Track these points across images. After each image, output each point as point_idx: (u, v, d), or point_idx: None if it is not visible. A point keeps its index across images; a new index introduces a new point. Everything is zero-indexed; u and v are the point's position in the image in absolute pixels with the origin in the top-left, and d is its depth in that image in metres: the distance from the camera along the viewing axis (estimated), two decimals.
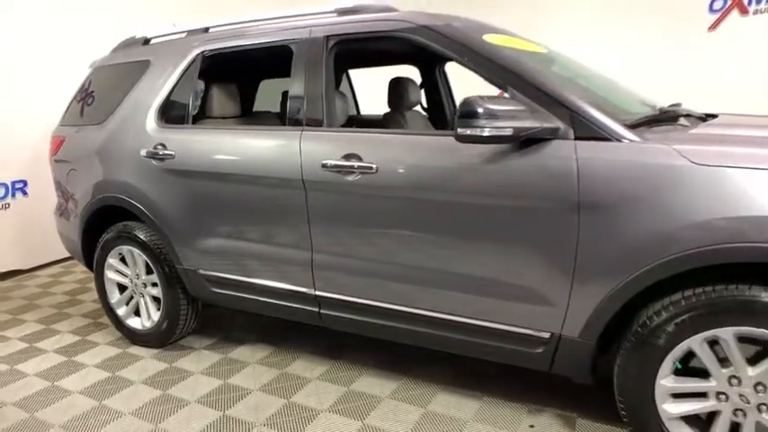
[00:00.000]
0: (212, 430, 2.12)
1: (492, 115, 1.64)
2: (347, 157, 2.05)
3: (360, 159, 2.02)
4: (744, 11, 4.54)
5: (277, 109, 3.31)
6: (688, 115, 2.08)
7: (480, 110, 1.63)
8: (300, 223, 2.21)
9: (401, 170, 1.95)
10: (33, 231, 4.25)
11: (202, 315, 2.92)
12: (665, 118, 1.94)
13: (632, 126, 1.72)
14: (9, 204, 4.20)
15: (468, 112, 1.64)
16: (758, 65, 4.47)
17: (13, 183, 4.22)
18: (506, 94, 1.80)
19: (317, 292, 2.25)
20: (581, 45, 5.23)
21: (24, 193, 4.29)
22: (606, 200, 1.62)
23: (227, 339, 2.94)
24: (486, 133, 1.63)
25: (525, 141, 1.72)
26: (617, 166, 1.61)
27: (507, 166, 1.76)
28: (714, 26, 4.70)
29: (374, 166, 1.99)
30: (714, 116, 2.25)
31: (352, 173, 2.04)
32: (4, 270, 4.22)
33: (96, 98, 2.99)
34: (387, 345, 2.48)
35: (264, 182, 2.26)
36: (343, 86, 3.84)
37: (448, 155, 1.86)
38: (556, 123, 1.70)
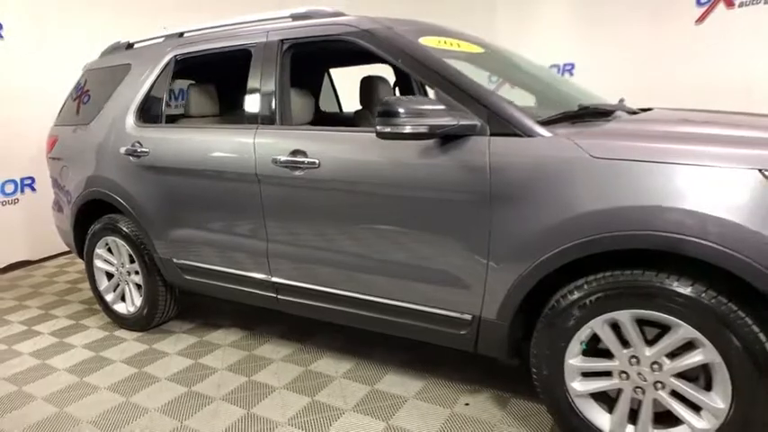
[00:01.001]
0: (177, 402, 2.32)
1: (410, 114, 1.77)
2: (294, 153, 2.21)
3: (305, 155, 2.18)
4: (730, 4, 4.53)
5: None
6: (614, 111, 2.17)
7: (399, 109, 1.76)
8: (257, 215, 2.38)
9: (339, 165, 2.10)
10: (41, 225, 4.49)
11: (181, 301, 3.12)
12: (588, 113, 2.04)
13: (549, 122, 1.83)
14: (18, 200, 4.51)
15: (387, 111, 1.77)
16: (744, 57, 4.46)
17: (22, 179, 4.52)
18: (432, 94, 1.93)
19: (274, 279, 2.43)
20: (567, 40, 5.29)
21: (33, 189, 4.59)
22: (513, 191, 1.75)
23: (206, 325, 3.15)
24: (403, 130, 1.77)
25: (447, 138, 1.85)
26: (523, 159, 1.73)
27: (431, 161, 1.89)
28: (701, 19, 4.70)
29: (317, 161, 2.14)
30: (648, 110, 2.33)
31: (299, 168, 2.20)
32: (15, 261, 4.53)
33: (86, 99, 3.22)
34: (355, 331, 2.62)
35: (225, 176, 2.44)
36: (325, 85, 4.00)
37: (379, 151, 2.01)
38: (473, 121, 1.83)
